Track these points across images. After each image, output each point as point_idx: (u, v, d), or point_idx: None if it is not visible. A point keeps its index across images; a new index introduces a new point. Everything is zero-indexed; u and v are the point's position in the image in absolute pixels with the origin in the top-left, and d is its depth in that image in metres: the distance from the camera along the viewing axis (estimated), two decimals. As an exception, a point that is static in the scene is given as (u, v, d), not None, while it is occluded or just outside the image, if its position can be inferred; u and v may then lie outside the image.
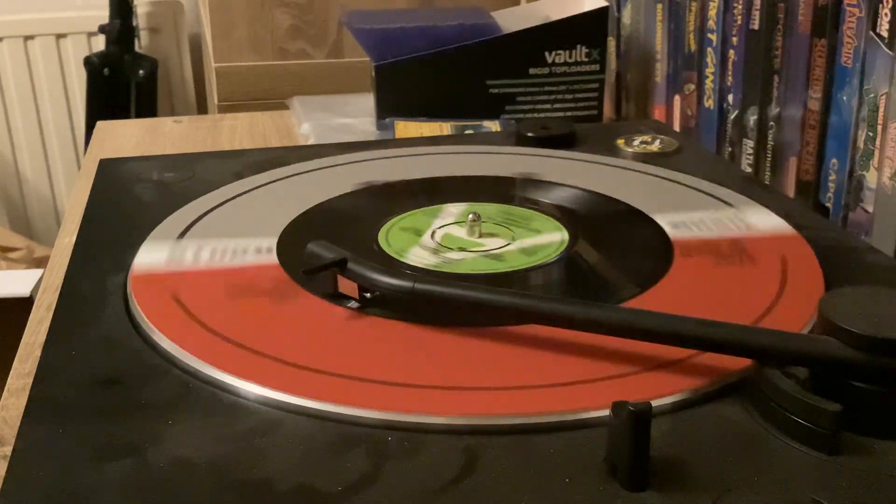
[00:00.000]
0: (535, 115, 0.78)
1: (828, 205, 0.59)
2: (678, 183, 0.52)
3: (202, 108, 1.78)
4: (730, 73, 0.70)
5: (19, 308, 0.85)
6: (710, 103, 0.74)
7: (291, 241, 0.44)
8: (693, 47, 0.76)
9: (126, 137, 0.84)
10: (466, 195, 0.50)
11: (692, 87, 0.77)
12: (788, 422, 0.29)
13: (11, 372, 0.44)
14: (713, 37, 0.72)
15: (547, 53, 0.77)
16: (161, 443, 0.29)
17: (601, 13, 0.78)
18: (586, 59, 0.78)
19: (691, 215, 0.47)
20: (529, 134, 0.60)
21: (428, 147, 0.60)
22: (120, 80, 1.64)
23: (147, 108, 1.66)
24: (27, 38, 1.71)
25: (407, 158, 0.57)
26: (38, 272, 0.97)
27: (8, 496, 0.27)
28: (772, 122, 0.66)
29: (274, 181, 0.53)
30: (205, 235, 0.45)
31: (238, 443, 0.29)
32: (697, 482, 0.27)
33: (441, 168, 0.55)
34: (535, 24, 0.77)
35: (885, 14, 0.52)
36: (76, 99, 1.76)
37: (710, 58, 0.73)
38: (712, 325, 0.31)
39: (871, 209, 0.55)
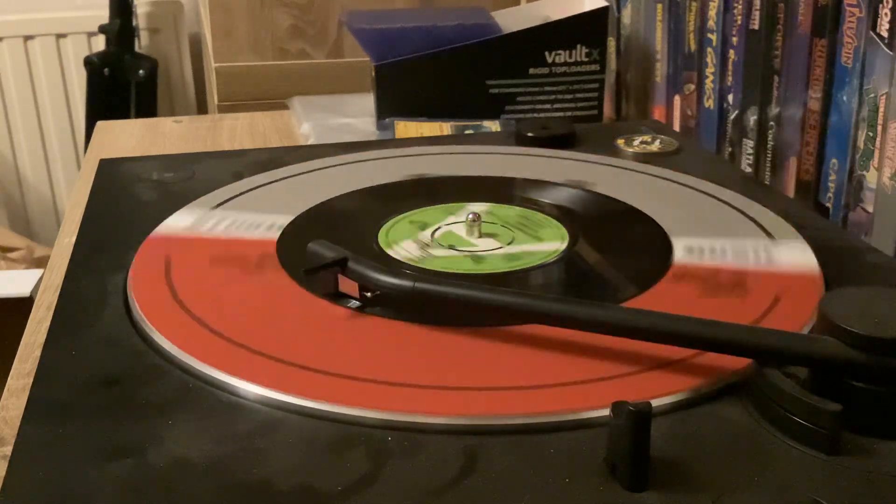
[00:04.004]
0: (535, 115, 0.78)
1: (828, 205, 0.59)
2: (678, 183, 0.52)
3: (202, 108, 1.78)
4: (730, 73, 0.70)
5: (19, 308, 0.85)
6: (710, 103, 0.74)
7: (291, 242, 0.44)
8: (693, 47, 0.76)
9: (126, 137, 0.84)
10: (466, 195, 0.50)
11: (692, 87, 0.77)
12: (788, 422, 0.29)
13: (11, 372, 0.44)
14: (713, 37, 0.72)
15: (547, 53, 0.77)
16: (161, 443, 0.29)
17: (601, 13, 0.78)
18: (586, 59, 0.78)
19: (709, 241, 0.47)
20: (529, 134, 0.60)
21: (428, 147, 0.60)
22: (120, 80, 1.64)
23: (147, 108, 1.66)
24: (27, 38, 1.71)
25: (407, 159, 0.57)
26: (38, 272, 0.96)
27: (8, 496, 0.27)
28: (772, 122, 0.66)
29: (274, 181, 0.53)
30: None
31: (238, 443, 0.29)
32: (697, 482, 0.27)
33: (441, 168, 0.55)
34: (535, 24, 0.77)
35: (885, 14, 0.52)
36: (76, 99, 1.76)
37: (710, 58, 0.73)
38: (712, 325, 0.31)
39: (871, 209, 0.55)
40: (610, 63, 0.92)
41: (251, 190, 0.51)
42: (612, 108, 0.94)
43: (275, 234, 0.45)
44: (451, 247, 0.44)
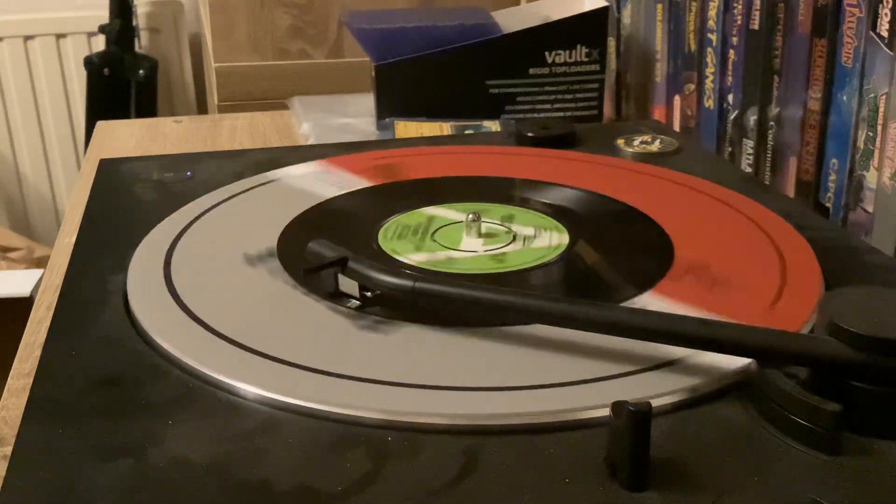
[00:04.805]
0: (535, 115, 0.78)
1: (828, 205, 0.59)
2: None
3: (202, 108, 1.78)
4: (730, 73, 0.70)
5: (19, 308, 0.85)
6: (710, 103, 0.74)
7: (291, 241, 0.44)
8: (693, 47, 0.76)
9: (126, 137, 0.84)
10: (466, 195, 0.50)
11: (692, 87, 0.77)
12: (788, 422, 0.29)
13: (11, 372, 0.44)
14: (713, 37, 0.72)
15: (547, 53, 0.77)
16: (161, 443, 0.29)
17: (601, 13, 0.78)
18: (586, 59, 0.78)
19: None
20: (529, 134, 0.60)
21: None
22: (120, 80, 1.64)
23: (147, 108, 1.66)
24: (27, 38, 1.71)
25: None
26: (38, 272, 0.97)
27: (8, 496, 0.27)
28: (772, 122, 0.66)
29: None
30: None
31: (238, 443, 0.29)
32: (697, 482, 0.27)
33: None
34: (535, 24, 0.77)
35: (885, 14, 0.52)
36: (76, 99, 1.76)
37: (710, 58, 0.73)
38: (712, 324, 0.31)
39: (871, 209, 0.55)
40: (610, 63, 0.92)
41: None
42: (612, 108, 0.94)
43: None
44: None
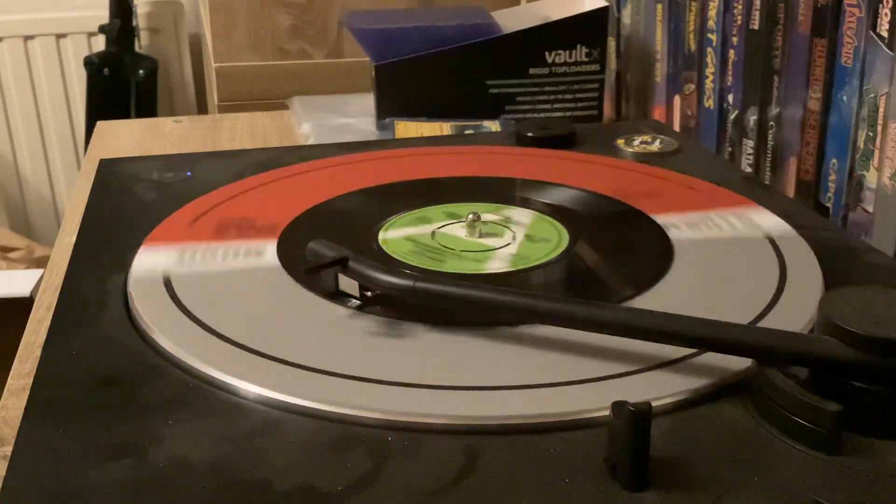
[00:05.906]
0: (535, 115, 0.78)
1: (828, 205, 0.59)
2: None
3: (202, 108, 1.78)
4: (730, 73, 0.70)
5: (19, 308, 0.85)
6: (710, 103, 0.74)
7: (291, 242, 0.44)
8: (693, 47, 0.76)
9: (126, 137, 0.84)
10: (466, 195, 0.50)
11: (692, 87, 0.77)
12: (788, 422, 0.29)
13: (11, 372, 0.44)
14: (713, 37, 0.72)
15: (547, 53, 0.77)
16: (161, 443, 0.29)
17: (601, 13, 0.78)
18: (586, 59, 0.78)
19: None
20: (529, 134, 0.60)
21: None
22: (120, 80, 1.64)
23: (147, 108, 1.66)
24: (27, 38, 1.71)
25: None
26: (38, 272, 0.97)
27: (8, 496, 0.27)
28: (772, 122, 0.66)
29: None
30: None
31: (238, 443, 0.29)
32: (697, 482, 0.27)
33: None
34: (535, 24, 0.77)
35: (885, 14, 0.52)
36: (76, 99, 1.76)
37: (710, 58, 0.73)
38: (712, 325, 0.31)
39: (871, 209, 0.55)
40: (610, 63, 0.92)
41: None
42: (612, 108, 0.94)
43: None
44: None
